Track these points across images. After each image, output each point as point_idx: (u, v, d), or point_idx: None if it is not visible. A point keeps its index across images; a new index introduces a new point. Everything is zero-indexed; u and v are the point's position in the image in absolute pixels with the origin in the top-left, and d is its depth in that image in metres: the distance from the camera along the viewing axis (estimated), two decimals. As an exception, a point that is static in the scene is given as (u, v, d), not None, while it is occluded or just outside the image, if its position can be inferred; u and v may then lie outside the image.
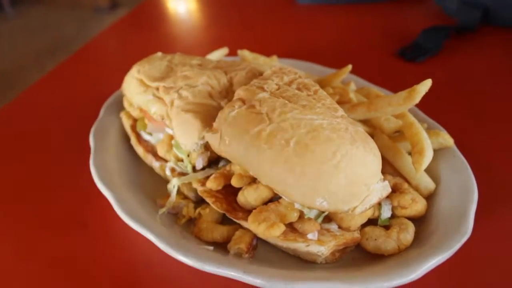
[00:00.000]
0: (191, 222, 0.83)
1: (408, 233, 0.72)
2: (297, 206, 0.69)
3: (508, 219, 0.83)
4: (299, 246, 0.70)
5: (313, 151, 0.64)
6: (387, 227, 0.75)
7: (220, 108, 0.85)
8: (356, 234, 0.73)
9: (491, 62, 1.46)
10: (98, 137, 0.99)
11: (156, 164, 0.92)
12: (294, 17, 1.96)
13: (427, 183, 0.82)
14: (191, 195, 0.86)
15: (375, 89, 1.03)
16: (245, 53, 1.15)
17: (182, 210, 0.84)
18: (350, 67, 1.02)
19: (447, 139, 0.87)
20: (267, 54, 1.19)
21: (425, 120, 0.95)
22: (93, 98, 1.23)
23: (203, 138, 0.80)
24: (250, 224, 0.69)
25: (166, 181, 0.91)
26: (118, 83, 1.15)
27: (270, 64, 1.11)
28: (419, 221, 0.78)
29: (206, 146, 0.84)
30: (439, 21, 1.69)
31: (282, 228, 0.67)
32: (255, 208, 0.75)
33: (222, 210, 0.77)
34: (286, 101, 0.73)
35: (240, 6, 2.19)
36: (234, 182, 0.76)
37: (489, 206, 0.82)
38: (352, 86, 1.09)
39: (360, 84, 1.12)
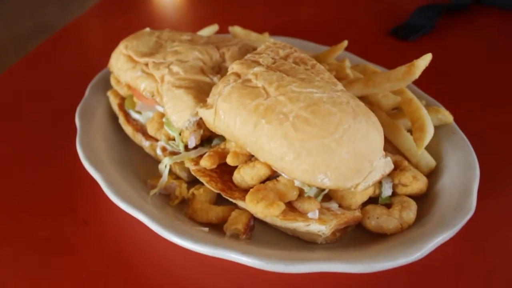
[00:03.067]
0: (184, 203, 0.80)
1: (410, 211, 0.70)
2: (297, 183, 0.66)
3: (509, 195, 0.82)
4: (299, 225, 0.68)
5: (313, 125, 0.61)
6: (388, 206, 0.73)
7: (213, 84, 0.81)
8: (357, 213, 0.71)
9: (484, 40, 1.46)
10: (84, 117, 0.94)
11: (146, 144, 0.88)
12: None
13: (428, 160, 0.80)
14: (183, 175, 0.83)
15: (371, 66, 1.00)
16: (236, 30, 1.11)
17: (175, 191, 0.80)
18: (345, 43, 0.99)
19: (446, 116, 0.85)
20: (258, 32, 1.15)
21: (423, 97, 0.93)
22: (77, 78, 1.17)
23: (196, 114, 0.76)
24: (248, 203, 0.65)
25: (157, 161, 0.87)
26: (102, 62, 1.09)
27: (263, 40, 1.07)
28: (420, 199, 0.75)
29: (199, 124, 0.80)
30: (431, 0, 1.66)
31: (282, 206, 0.64)
32: (252, 187, 0.72)
33: (217, 189, 0.74)
34: (284, 75, 0.69)
35: None
36: (230, 160, 0.73)
37: (490, 183, 0.80)
38: (347, 63, 1.06)
39: (355, 61, 1.09)
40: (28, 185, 0.91)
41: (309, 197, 0.68)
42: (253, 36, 1.09)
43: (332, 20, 1.62)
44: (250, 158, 0.73)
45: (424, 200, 0.75)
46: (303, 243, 0.72)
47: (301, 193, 0.68)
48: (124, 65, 0.90)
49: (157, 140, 0.87)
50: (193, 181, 0.82)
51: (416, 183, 0.74)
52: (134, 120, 0.94)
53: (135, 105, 0.94)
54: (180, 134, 0.82)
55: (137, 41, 0.94)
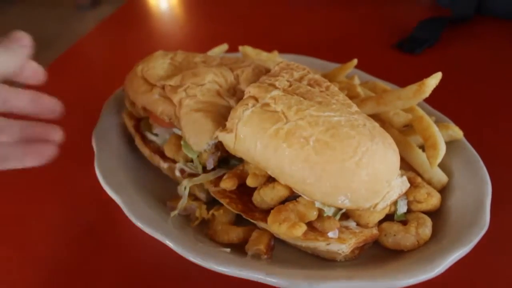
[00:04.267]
0: (204, 224, 0.82)
1: (426, 228, 0.72)
2: (317, 204, 0.68)
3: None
4: (320, 245, 0.70)
5: (333, 149, 0.63)
6: (403, 223, 0.75)
7: (229, 106, 0.83)
8: (375, 231, 0.73)
9: (489, 51, 1.47)
10: (100, 139, 0.96)
11: (164, 165, 0.90)
12: (290, 11, 1.94)
13: (440, 176, 0.82)
14: (202, 196, 0.85)
15: (380, 83, 1.02)
16: (247, 50, 1.13)
17: (195, 212, 0.82)
18: (355, 61, 1.02)
19: (456, 132, 0.87)
20: (264, 48, 1.17)
21: (433, 113, 0.95)
22: (88, 99, 1.20)
23: (215, 138, 0.79)
24: (270, 224, 0.68)
25: (175, 182, 0.89)
26: (110, 83, 1.11)
27: (274, 59, 1.09)
28: (434, 215, 0.78)
29: (217, 146, 0.82)
30: (434, 12, 1.69)
31: (304, 227, 0.66)
32: (271, 208, 0.74)
33: (237, 211, 0.76)
34: (301, 98, 0.72)
35: (229, 0, 2.14)
36: (250, 182, 0.75)
37: (502, 197, 0.82)
38: (356, 80, 1.09)
39: (363, 78, 1.11)
40: (47, 208, 0.94)
41: (328, 217, 0.70)
42: (263, 55, 1.12)
43: (337, 35, 1.65)
44: (269, 179, 0.75)
45: (438, 216, 0.77)
46: (322, 261, 0.73)
47: (320, 213, 0.70)
48: (140, 88, 0.92)
49: (175, 162, 0.89)
50: (211, 202, 0.84)
51: (430, 199, 0.77)
52: (151, 141, 0.96)
53: (151, 127, 0.96)
54: (198, 156, 0.84)
55: (152, 64, 0.96)
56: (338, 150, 0.63)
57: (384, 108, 0.88)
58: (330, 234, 0.69)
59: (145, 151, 0.95)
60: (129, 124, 1.01)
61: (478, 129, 0.97)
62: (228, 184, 0.76)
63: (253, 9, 1.98)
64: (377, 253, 0.74)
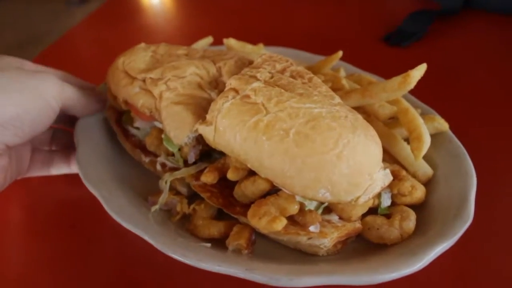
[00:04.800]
0: (185, 218, 0.80)
1: (410, 221, 0.71)
2: (298, 198, 0.67)
3: (506, 203, 0.83)
4: (301, 239, 0.68)
5: (314, 141, 0.62)
6: (387, 216, 0.74)
7: (211, 99, 0.82)
8: (358, 224, 0.72)
9: (476, 44, 1.47)
10: (82, 134, 0.94)
11: (145, 160, 0.88)
12: (278, 4, 1.92)
13: (425, 169, 0.81)
14: (183, 190, 0.83)
15: (366, 75, 1.01)
16: (231, 42, 1.11)
17: (176, 207, 0.80)
18: (340, 53, 1.00)
19: (442, 124, 0.86)
20: (252, 42, 1.16)
21: (419, 105, 0.94)
22: None
23: (195, 131, 0.77)
24: (250, 219, 0.66)
25: (157, 177, 0.87)
26: (96, 76, 1.10)
27: (258, 52, 1.08)
28: (418, 208, 0.76)
29: (198, 139, 0.80)
30: (422, 5, 1.68)
31: (284, 221, 0.64)
32: (252, 202, 0.73)
33: (218, 205, 0.75)
34: (282, 90, 0.70)
35: None
36: (230, 175, 0.73)
37: (486, 190, 0.81)
38: (342, 73, 1.07)
39: (349, 70, 1.10)
40: (28, 204, 0.92)
41: (310, 211, 0.69)
42: (248, 48, 1.10)
43: (324, 28, 1.63)
44: (251, 172, 0.73)
45: (422, 209, 0.76)
46: (305, 255, 0.72)
47: (301, 206, 0.69)
48: (122, 81, 0.90)
49: (156, 156, 0.87)
50: (192, 196, 0.82)
51: (415, 192, 0.75)
52: (133, 136, 0.94)
53: (132, 121, 0.94)
54: (179, 150, 0.83)
55: (133, 57, 0.94)
56: (318, 142, 0.62)
57: (369, 101, 0.86)
58: (311, 228, 0.68)
59: (127, 145, 0.93)
60: (111, 118, 0.99)
61: (464, 122, 0.96)
62: (208, 178, 0.74)
63: (242, 3, 1.97)
64: (359, 247, 0.73)
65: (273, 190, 0.71)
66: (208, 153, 0.85)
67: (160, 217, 0.80)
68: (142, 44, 1.02)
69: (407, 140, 0.84)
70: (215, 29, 1.67)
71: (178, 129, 0.78)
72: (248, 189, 0.72)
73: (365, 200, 0.65)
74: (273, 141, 0.63)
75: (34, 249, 0.83)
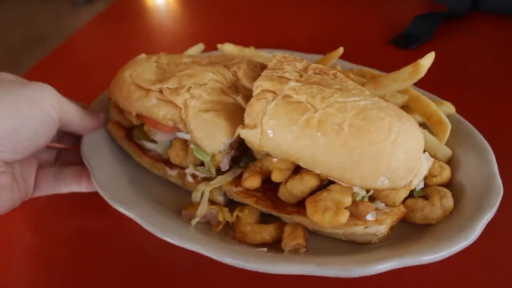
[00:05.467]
0: (228, 227, 0.78)
1: (448, 198, 0.75)
2: (356, 189, 0.69)
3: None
4: (358, 229, 0.70)
5: (369, 132, 0.64)
6: (424, 197, 0.78)
7: (236, 103, 0.81)
8: (403, 209, 0.75)
9: (483, 46, 1.48)
10: (91, 153, 0.88)
11: (172, 173, 0.85)
12: (285, 6, 1.92)
13: (444, 151, 0.86)
14: (220, 199, 0.81)
15: (367, 69, 1.05)
16: (227, 47, 1.10)
17: (216, 217, 0.78)
18: (341, 49, 1.04)
19: (449, 107, 0.92)
20: (256, 44, 1.15)
21: (423, 93, 0.99)
22: (81, 93, 1.10)
23: (231, 136, 0.76)
24: (312, 215, 0.66)
25: (185, 189, 0.85)
26: (101, 81, 1.06)
27: (259, 55, 1.08)
28: (446, 187, 0.81)
29: (231, 145, 0.79)
30: (429, 8, 1.69)
31: (347, 214, 0.66)
32: (300, 200, 0.74)
33: (267, 208, 0.74)
34: (321, 87, 0.72)
35: None
36: (276, 177, 0.73)
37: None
38: (339, 69, 1.11)
39: (345, 67, 1.13)
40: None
41: (361, 201, 0.71)
42: (246, 51, 1.10)
43: (333, 31, 1.63)
44: (294, 172, 0.74)
45: (451, 188, 0.81)
46: (357, 245, 0.74)
47: (352, 198, 0.71)
48: (134, 95, 0.86)
49: (183, 168, 0.85)
50: (228, 205, 0.81)
51: (443, 172, 0.80)
52: (149, 150, 0.90)
53: (146, 135, 0.91)
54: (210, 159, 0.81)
55: (140, 68, 0.90)
56: (373, 133, 0.64)
57: (381, 91, 0.91)
58: (368, 217, 0.69)
59: (145, 161, 0.89)
60: (118, 135, 0.94)
61: (473, 124, 0.92)
62: (253, 182, 0.74)
63: (248, 4, 1.96)
64: (405, 230, 0.76)
65: (320, 186, 0.73)
66: (236, 159, 0.84)
67: (201, 229, 0.77)
68: (143, 55, 0.98)
69: (421, 125, 0.89)
70: (221, 30, 1.71)
71: (211, 137, 0.77)
72: (296, 188, 0.72)
73: (417, 184, 0.68)
74: (329, 136, 0.65)
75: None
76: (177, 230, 0.70)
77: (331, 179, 0.68)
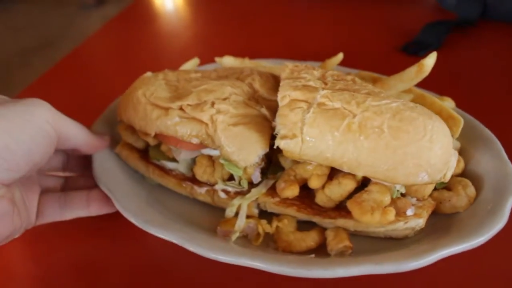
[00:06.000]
0: (268, 239, 0.78)
1: (471, 187, 0.80)
2: (398, 187, 0.72)
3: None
4: (399, 225, 0.73)
5: (408, 132, 0.67)
6: (446, 188, 0.83)
7: (262, 115, 0.82)
8: (432, 201, 0.79)
9: (492, 56, 1.49)
10: (108, 180, 0.84)
11: (201, 191, 0.83)
12: (294, 13, 1.92)
13: (455, 143, 0.92)
14: (255, 211, 0.81)
15: (366, 72, 1.10)
16: (227, 60, 1.11)
17: (254, 230, 0.78)
18: (341, 55, 1.08)
19: (450, 102, 0.99)
20: (271, 51, 1.15)
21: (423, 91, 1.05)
22: (94, 98, 1.17)
23: (264, 148, 0.76)
24: (360, 217, 0.68)
25: (214, 206, 0.84)
26: (116, 82, 1.08)
27: (261, 65, 1.09)
28: (461, 176, 0.86)
29: (262, 157, 0.79)
30: (438, 16, 1.72)
31: (394, 211, 0.69)
32: (338, 204, 0.76)
33: (309, 215, 0.75)
34: (351, 93, 0.74)
35: (234, 2, 2.13)
36: (314, 183, 0.75)
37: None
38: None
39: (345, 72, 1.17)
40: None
41: (398, 198, 0.74)
42: (246, 62, 1.11)
43: (343, 38, 1.64)
44: (330, 177, 0.76)
45: (465, 177, 0.86)
46: (393, 242, 0.76)
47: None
48: (152, 114, 0.84)
49: (210, 185, 0.83)
50: (262, 216, 0.81)
51: (460, 163, 0.86)
52: (171, 170, 0.88)
53: (165, 154, 0.88)
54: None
55: (152, 87, 0.88)
56: (412, 132, 0.67)
57: (388, 92, 0.95)
58: (408, 212, 0.73)
59: (169, 181, 0.87)
60: (132, 157, 0.91)
61: None
62: (294, 191, 0.75)
63: (259, 10, 1.97)
64: (434, 222, 0.80)
65: (356, 188, 0.75)
66: (263, 171, 0.84)
67: (241, 244, 0.77)
68: (149, 73, 0.96)
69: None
70: (233, 35, 1.73)
71: (244, 150, 0.77)
72: (335, 192, 0.74)
73: (449, 176, 0.73)
74: (371, 139, 0.67)
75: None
76: (227, 248, 0.70)
77: (374, 180, 0.71)
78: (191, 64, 1.17)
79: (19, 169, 0.66)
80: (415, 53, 1.47)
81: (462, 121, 0.87)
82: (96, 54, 1.72)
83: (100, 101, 1.03)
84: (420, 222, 0.73)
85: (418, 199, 0.78)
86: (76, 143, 0.80)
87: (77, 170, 0.94)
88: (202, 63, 1.21)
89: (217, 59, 1.13)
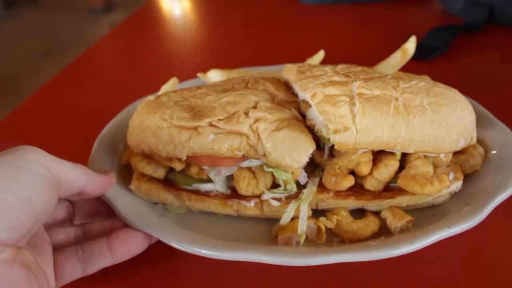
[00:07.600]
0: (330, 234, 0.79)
1: (479, 146, 0.90)
2: (442, 156, 0.78)
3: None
4: (444, 191, 0.79)
5: (445, 105, 0.75)
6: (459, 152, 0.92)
7: (295, 116, 0.82)
8: (457, 165, 0.88)
9: (498, 60, 1.49)
10: (141, 220, 0.77)
11: (250, 205, 0.80)
12: (301, 17, 1.89)
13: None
14: (310, 211, 0.80)
15: (352, 65, 1.16)
16: (213, 74, 1.08)
17: (315, 228, 0.78)
18: (322, 52, 1.13)
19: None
20: (273, 57, 1.14)
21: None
22: (102, 103, 1.15)
23: (312, 146, 0.77)
24: (422, 189, 0.73)
25: (258, 218, 0.82)
26: (124, 87, 1.13)
27: (252, 74, 1.09)
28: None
29: (306, 157, 0.80)
30: (444, 20, 1.72)
31: (447, 177, 0.75)
32: (386, 185, 0.80)
33: (367, 201, 0.78)
34: (380, 80, 0.79)
35: (241, 6, 2.13)
36: (364, 170, 0.78)
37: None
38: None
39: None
40: None
41: (436, 167, 0.81)
42: (235, 73, 1.09)
43: (349, 43, 1.63)
44: (374, 161, 0.80)
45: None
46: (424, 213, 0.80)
47: (428, 166, 0.80)
48: (180, 137, 0.78)
49: (258, 197, 0.81)
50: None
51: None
52: (207, 192, 0.83)
53: (193, 177, 0.83)
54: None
55: (167, 109, 0.83)
56: (448, 105, 0.75)
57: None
58: (450, 177, 0.80)
59: (210, 204, 0.82)
60: (156, 189, 0.84)
61: None
62: (351, 181, 0.77)
63: (267, 16, 1.97)
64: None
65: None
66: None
67: (307, 245, 0.76)
68: (152, 97, 0.90)
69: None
70: (241, 40, 1.72)
71: (295, 152, 0.76)
72: (384, 174, 0.78)
73: (475, 140, 0.82)
74: (418, 116, 0.73)
75: None
76: (312, 251, 0.69)
77: (423, 153, 0.77)
78: (171, 84, 1.11)
79: (23, 224, 0.57)
80: (422, 57, 1.45)
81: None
82: (105, 59, 1.74)
83: (109, 105, 0.98)
84: (459, 184, 0.81)
85: (447, 166, 0.86)
86: (81, 185, 0.70)
87: (87, 218, 0.83)
88: (210, 68, 1.15)
89: (199, 75, 1.09)
